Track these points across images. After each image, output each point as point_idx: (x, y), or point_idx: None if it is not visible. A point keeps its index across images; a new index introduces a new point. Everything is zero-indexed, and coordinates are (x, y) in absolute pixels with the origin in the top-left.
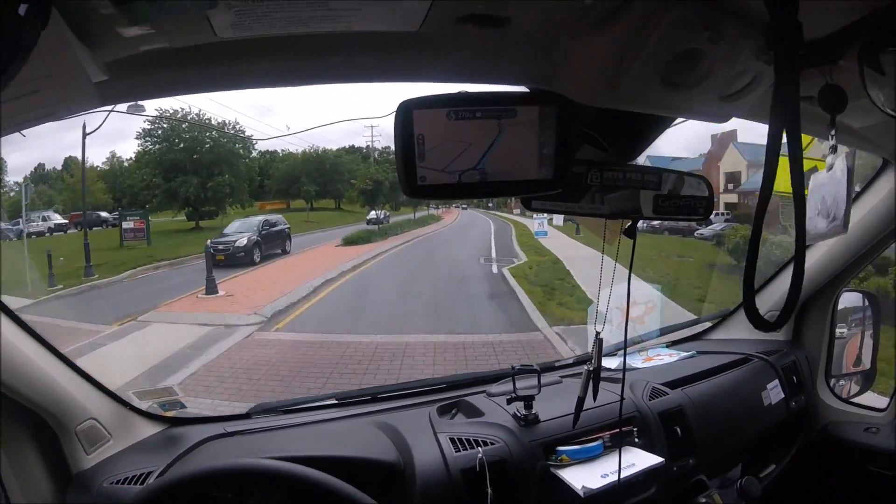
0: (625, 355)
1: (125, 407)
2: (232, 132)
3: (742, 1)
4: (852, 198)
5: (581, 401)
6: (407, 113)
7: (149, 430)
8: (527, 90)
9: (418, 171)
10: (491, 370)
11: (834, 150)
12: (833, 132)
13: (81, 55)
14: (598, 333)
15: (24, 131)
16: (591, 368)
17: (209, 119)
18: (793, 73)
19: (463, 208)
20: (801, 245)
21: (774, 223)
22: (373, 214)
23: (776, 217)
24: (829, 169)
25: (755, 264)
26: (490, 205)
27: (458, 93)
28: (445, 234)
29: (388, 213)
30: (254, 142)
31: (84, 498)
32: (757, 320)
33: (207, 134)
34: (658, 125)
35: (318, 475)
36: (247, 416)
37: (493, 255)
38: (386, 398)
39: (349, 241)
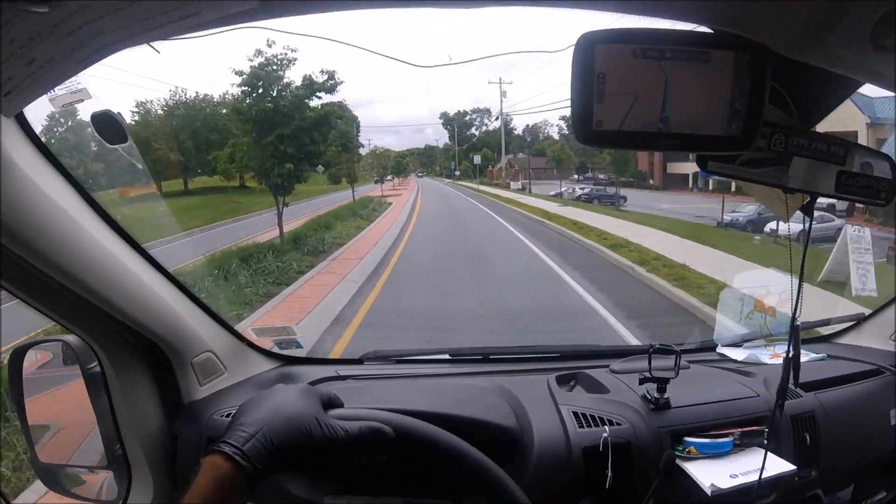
0: (794, 342)
1: (242, 342)
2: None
3: None
4: None
5: (783, 389)
6: (588, 47)
7: (263, 366)
8: (718, 32)
9: (595, 115)
10: (611, 345)
11: None
12: None
13: None
14: (794, 319)
15: None
16: (792, 355)
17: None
18: None
19: (419, 175)
20: None
21: None
22: None
23: None
24: None
25: None
26: (457, 172)
27: (646, 28)
28: None
29: None
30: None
31: (193, 427)
32: None
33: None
34: (846, 89)
35: (473, 452)
36: (359, 361)
37: None
38: (499, 360)
39: None
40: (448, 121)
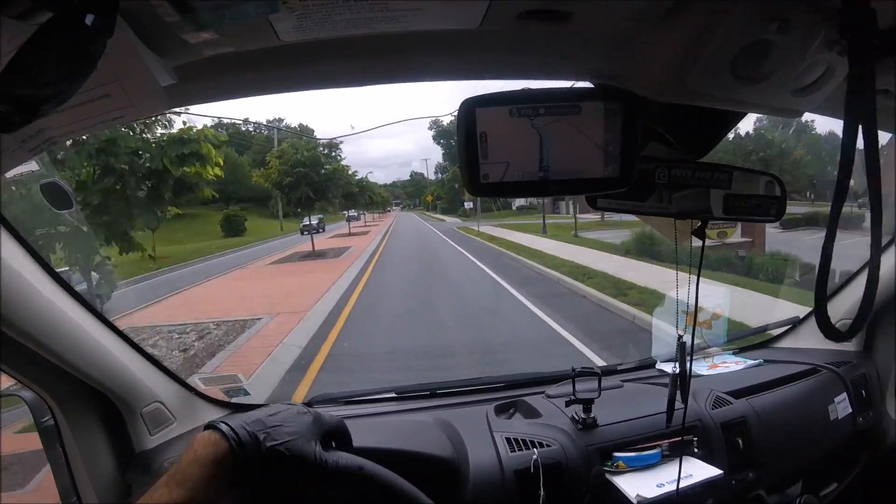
0: (690, 360)
1: (190, 392)
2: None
3: None
4: None
5: (671, 402)
6: (469, 111)
7: (212, 414)
8: (591, 85)
9: (481, 169)
10: (551, 371)
11: None
12: None
13: (149, 61)
14: (680, 336)
15: None
16: (677, 372)
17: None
18: (867, 64)
19: (389, 210)
20: (877, 248)
21: None
22: None
23: None
24: None
25: (828, 269)
26: (468, 204)
27: (521, 90)
28: None
29: None
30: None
31: (144, 476)
32: (828, 329)
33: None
34: (728, 121)
35: (391, 476)
36: (307, 405)
37: None
38: (444, 394)
39: None
40: (441, 133)
